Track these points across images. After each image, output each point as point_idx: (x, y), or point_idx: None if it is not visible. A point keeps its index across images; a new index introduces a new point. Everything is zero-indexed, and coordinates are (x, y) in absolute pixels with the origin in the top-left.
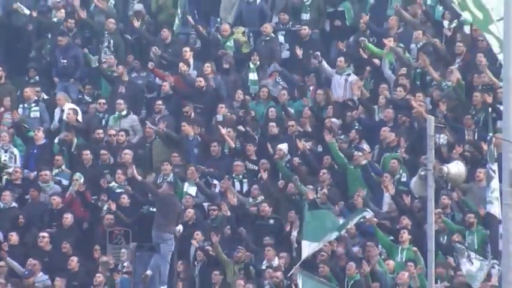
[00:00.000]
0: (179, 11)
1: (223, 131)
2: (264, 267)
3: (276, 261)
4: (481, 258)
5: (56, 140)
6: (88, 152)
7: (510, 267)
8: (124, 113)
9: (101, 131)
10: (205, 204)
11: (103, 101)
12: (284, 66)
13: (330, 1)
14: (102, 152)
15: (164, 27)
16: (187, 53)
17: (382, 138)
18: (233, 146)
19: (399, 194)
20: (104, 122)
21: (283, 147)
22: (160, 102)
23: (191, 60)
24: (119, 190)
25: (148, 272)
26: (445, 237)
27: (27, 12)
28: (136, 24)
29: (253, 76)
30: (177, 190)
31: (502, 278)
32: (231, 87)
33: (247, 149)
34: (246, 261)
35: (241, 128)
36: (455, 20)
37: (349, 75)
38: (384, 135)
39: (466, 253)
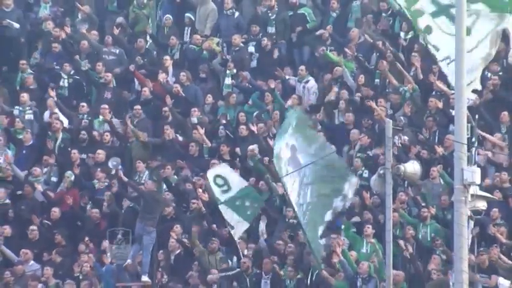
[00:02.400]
0: (150, 24)
1: (201, 131)
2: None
3: (245, 252)
4: None
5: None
6: (76, 151)
7: (461, 257)
8: (108, 117)
9: (84, 132)
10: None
11: (84, 104)
12: (253, 74)
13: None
14: (98, 151)
15: (140, 38)
16: (168, 61)
17: (353, 140)
18: (209, 145)
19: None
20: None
21: (254, 147)
22: (139, 106)
23: (170, 69)
24: (97, 186)
25: (129, 261)
26: (398, 230)
27: (17, 26)
28: (116, 32)
29: (228, 81)
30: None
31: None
32: (207, 94)
33: (221, 149)
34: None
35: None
36: (411, 32)
37: (307, 82)
38: (354, 137)
39: None
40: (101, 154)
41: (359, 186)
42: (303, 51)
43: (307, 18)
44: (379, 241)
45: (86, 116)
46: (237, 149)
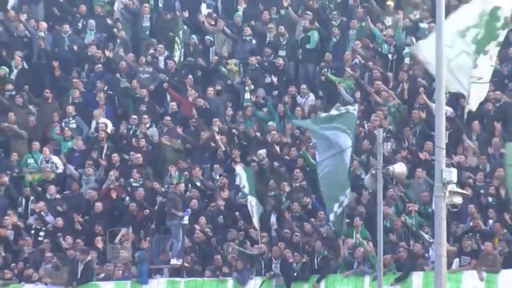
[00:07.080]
0: (179, 42)
1: (217, 137)
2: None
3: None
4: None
5: None
6: (116, 154)
7: (440, 243)
8: (147, 126)
9: (125, 140)
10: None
11: (134, 116)
12: (266, 90)
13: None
14: (133, 154)
15: (170, 59)
16: (190, 80)
17: None
18: (223, 149)
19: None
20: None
21: (262, 152)
22: (169, 118)
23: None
24: (135, 184)
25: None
26: (388, 221)
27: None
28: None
29: (247, 96)
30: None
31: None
32: (227, 106)
33: (233, 153)
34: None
35: (234, 131)
36: (395, 55)
37: (307, 98)
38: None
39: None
40: (139, 157)
41: (357, 184)
42: (308, 70)
43: (309, 39)
44: (369, 231)
45: (133, 126)
46: (235, 151)
